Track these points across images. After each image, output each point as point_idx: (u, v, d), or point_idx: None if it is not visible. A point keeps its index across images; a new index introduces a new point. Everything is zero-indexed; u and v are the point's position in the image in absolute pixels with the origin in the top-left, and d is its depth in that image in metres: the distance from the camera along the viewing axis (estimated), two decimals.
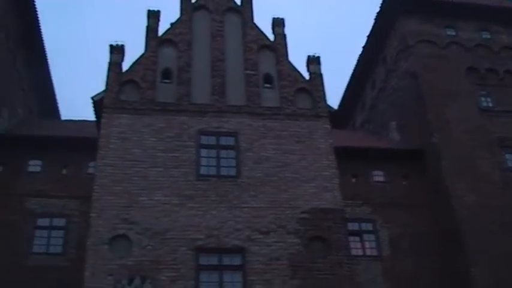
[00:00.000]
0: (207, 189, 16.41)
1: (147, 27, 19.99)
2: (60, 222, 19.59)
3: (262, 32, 20.54)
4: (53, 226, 19.52)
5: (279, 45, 20.34)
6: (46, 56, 27.96)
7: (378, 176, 22.02)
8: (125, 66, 18.89)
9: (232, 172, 16.94)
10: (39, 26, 26.43)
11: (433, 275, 19.77)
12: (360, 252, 19.73)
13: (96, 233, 15.22)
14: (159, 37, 19.78)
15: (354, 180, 21.56)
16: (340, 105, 31.29)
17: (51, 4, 67.03)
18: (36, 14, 25.91)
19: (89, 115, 45.85)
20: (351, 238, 18.14)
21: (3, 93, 24.26)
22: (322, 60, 19.97)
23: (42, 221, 19.55)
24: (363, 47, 28.28)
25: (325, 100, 19.04)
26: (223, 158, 17.29)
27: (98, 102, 18.08)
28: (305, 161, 17.36)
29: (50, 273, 18.09)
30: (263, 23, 20.89)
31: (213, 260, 15.36)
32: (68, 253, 18.91)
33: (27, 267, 18.48)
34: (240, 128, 17.84)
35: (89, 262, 14.80)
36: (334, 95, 30.60)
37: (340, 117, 26.74)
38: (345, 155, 19.53)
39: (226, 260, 15.43)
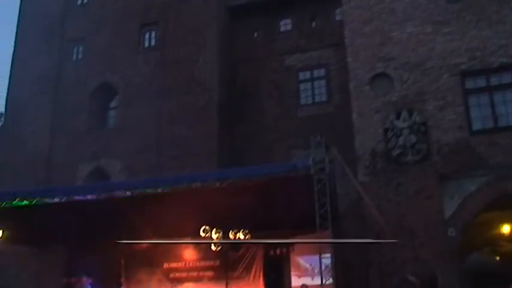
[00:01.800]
0: (461, 10, 15.28)
1: None
2: (319, 72, 20.63)
3: None
4: (313, 78, 20.67)
5: None
6: None
7: None
8: None
9: None
10: None
11: None
12: None
13: (356, 76, 15.64)
14: None
15: None
16: None
17: None
18: None
19: None
20: None
21: None
22: None
23: (303, 75, 20.83)
24: None
25: None
26: None
27: None
28: None
29: (319, 120, 19.34)
30: None
31: (481, 82, 14.69)
32: (332, 100, 19.96)
33: (298, 118, 20.11)
34: None
35: (354, 104, 15.45)
36: None
37: None
38: None
39: (495, 80, 14.60)
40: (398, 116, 14.70)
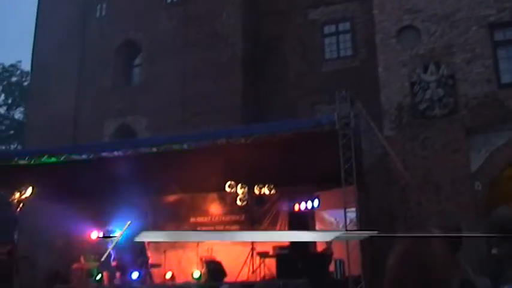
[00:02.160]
0: None
1: None
2: (345, 26, 20.22)
3: None
4: (339, 31, 20.30)
5: None
6: None
7: None
8: None
9: None
10: None
11: None
12: None
13: (383, 29, 15.34)
14: None
15: None
16: None
17: None
18: None
19: None
20: None
21: None
22: None
23: (328, 29, 20.44)
24: None
25: None
26: None
27: None
28: None
29: (344, 75, 19.03)
30: None
31: (510, 34, 14.36)
32: (358, 54, 19.62)
33: (323, 73, 19.83)
34: None
35: (380, 58, 15.20)
36: None
37: None
38: None
39: None
40: (425, 70, 14.44)
